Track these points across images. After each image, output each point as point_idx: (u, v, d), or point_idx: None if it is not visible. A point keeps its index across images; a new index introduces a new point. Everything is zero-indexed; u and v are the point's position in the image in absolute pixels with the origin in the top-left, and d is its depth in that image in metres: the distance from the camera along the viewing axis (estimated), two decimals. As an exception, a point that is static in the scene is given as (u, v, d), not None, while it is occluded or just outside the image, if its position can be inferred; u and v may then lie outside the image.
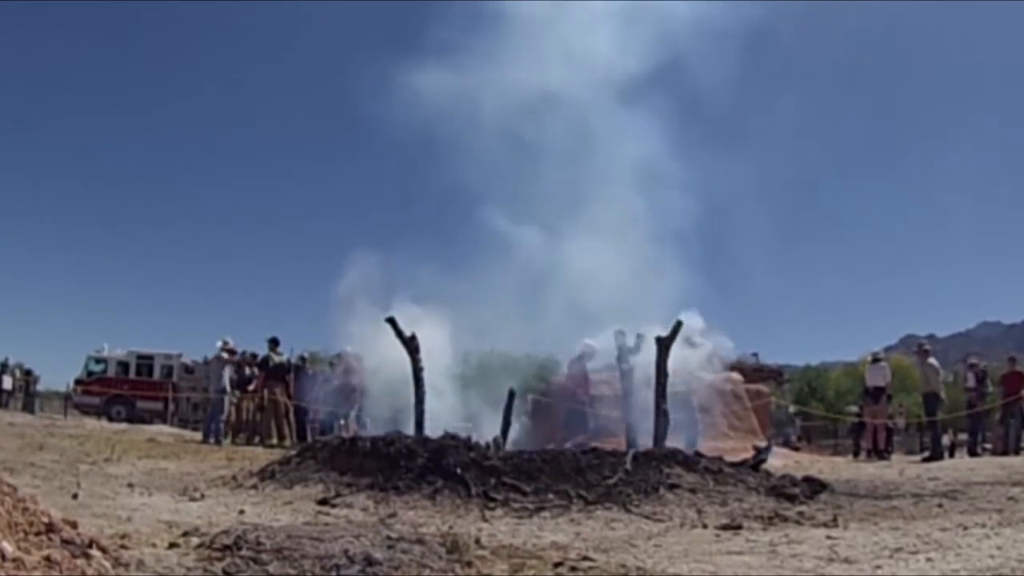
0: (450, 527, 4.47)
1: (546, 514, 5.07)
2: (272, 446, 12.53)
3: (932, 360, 12.95)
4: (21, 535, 2.50)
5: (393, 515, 4.94)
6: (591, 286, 11.02)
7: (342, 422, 13.62)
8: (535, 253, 11.37)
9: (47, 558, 2.39)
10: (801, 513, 5.08)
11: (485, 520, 4.88)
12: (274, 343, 14.34)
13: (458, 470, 5.70)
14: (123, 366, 25.75)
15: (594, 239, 11.43)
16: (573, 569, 3.38)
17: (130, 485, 6.03)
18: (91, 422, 18.71)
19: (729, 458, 7.36)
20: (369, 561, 3.09)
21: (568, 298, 11.08)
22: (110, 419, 21.68)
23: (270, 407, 13.82)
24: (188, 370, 26.24)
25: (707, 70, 13.04)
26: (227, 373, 13.73)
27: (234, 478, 6.52)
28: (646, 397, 8.57)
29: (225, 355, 13.80)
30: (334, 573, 2.97)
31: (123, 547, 3.16)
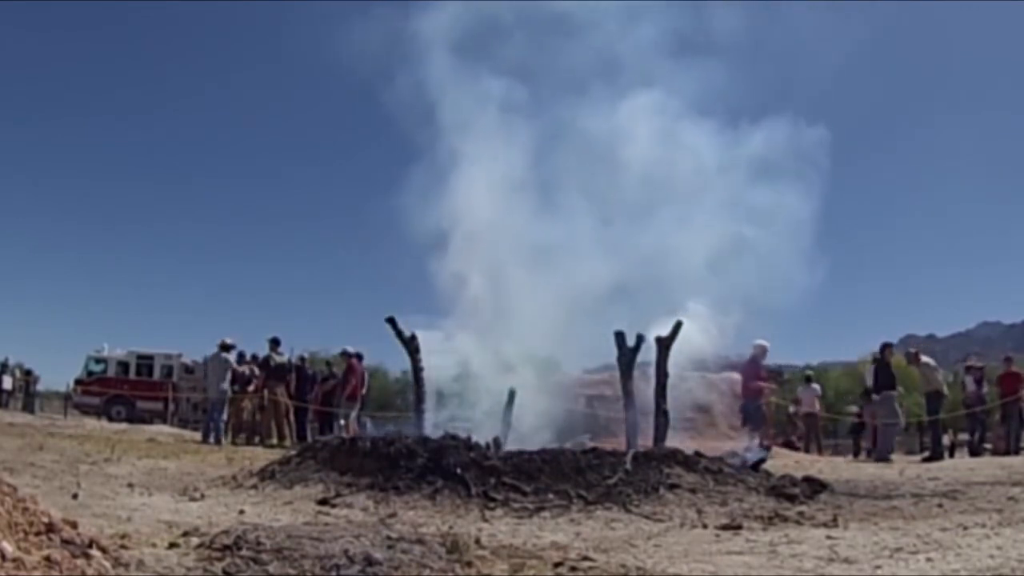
0: (450, 527, 4.47)
1: (546, 514, 5.07)
2: (272, 446, 12.54)
3: (926, 359, 12.98)
4: (21, 535, 2.50)
5: (393, 515, 4.94)
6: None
7: (342, 422, 13.63)
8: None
9: (47, 558, 2.39)
10: (801, 513, 5.08)
11: (485, 520, 4.88)
12: (275, 343, 14.35)
13: (458, 470, 5.71)
14: (123, 366, 25.75)
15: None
16: (573, 569, 3.38)
17: (130, 485, 6.03)
18: (91, 422, 18.70)
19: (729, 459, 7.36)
20: (369, 561, 3.09)
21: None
22: (110, 419, 21.68)
23: (270, 407, 13.84)
24: (188, 370, 26.23)
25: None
26: (228, 374, 13.74)
27: (234, 478, 6.52)
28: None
29: (225, 355, 13.81)
30: (334, 573, 2.97)
31: (123, 547, 3.16)
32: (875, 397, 12.58)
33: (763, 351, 13.27)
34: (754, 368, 13.18)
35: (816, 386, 17.26)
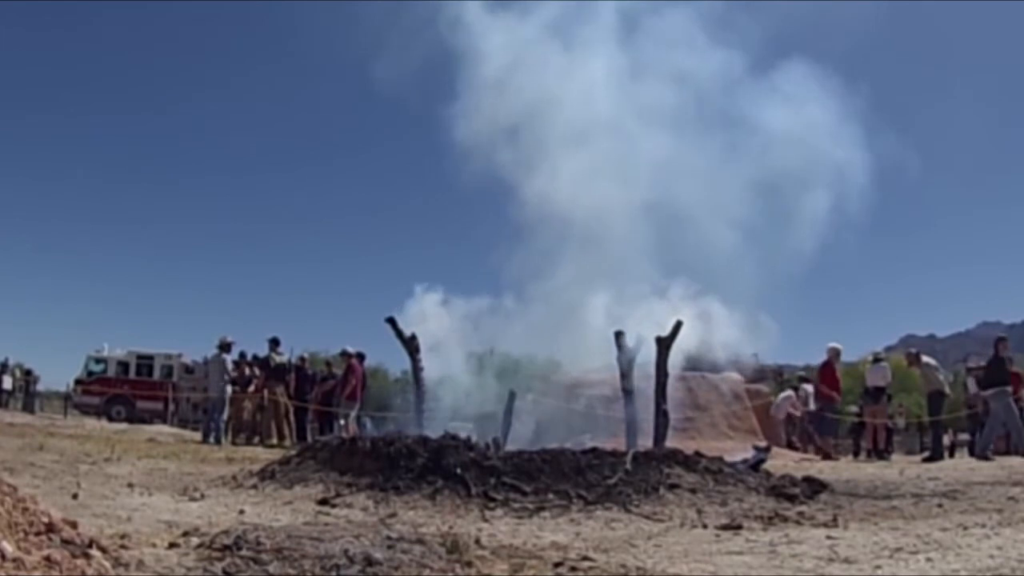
0: (450, 527, 4.47)
1: (546, 514, 5.06)
2: (272, 446, 12.55)
3: (927, 359, 12.96)
4: (21, 535, 2.50)
5: (393, 515, 4.94)
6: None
7: (342, 422, 13.63)
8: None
9: (47, 558, 2.38)
10: (801, 513, 5.08)
11: (485, 520, 4.88)
12: (275, 343, 14.35)
13: (458, 470, 5.70)
14: (123, 366, 25.79)
15: None
16: (573, 569, 3.38)
17: (130, 485, 6.03)
18: (91, 422, 18.75)
19: (729, 458, 7.36)
20: (369, 561, 3.09)
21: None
22: (110, 419, 21.72)
23: (270, 407, 13.84)
24: (188, 370, 26.27)
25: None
26: (227, 374, 13.75)
27: (234, 478, 6.52)
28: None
29: (224, 355, 13.82)
30: (334, 573, 2.97)
31: (123, 547, 3.15)
32: (986, 392, 12.01)
33: (837, 354, 13.11)
34: (831, 372, 13.02)
35: (808, 386, 17.23)
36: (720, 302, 11.26)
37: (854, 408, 18.31)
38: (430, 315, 9.85)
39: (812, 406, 16.56)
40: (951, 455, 15.98)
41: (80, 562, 2.48)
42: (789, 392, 17.18)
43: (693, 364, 13.79)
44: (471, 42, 12.44)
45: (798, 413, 16.48)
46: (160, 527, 4.10)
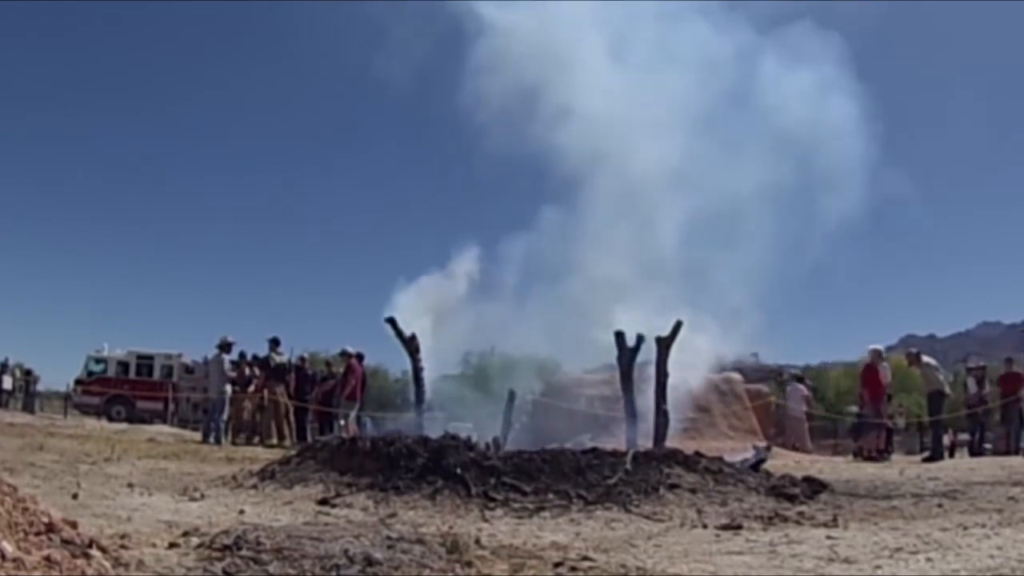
0: (450, 527, 4.47)
1: (546, 514, 5.06)
2: (272, 446, 12.54)
3: (927, 359, 12.96)
4: (21, 535, 2.50)
5: (393, 515, 4.94)
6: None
7: (342, 422, 13.63)
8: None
9: (47, 558, 2.38)
10: (801, 513, 5.08)
11: (485, 520, 4.88)
12: (275, 343, 14.35)
13: (458, 470, 5.70)
14: (123, 366, 25.79)
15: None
16: (573, 569, 3.38)
17: (130, 485, 6.03)
18: (91, 422, 18.76)
19: (729, 458, 7.36)
20: (369, 561, 3.09)
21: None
22: (110, 419, 21.73)
23: (270, 407, 13.84)
24: (188, 370, 26.26)
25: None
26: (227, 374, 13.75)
27: (234, 478, 6.52)
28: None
29: (225, 356, 13.82)
30: (334, 573, 2.97)
31: (123, 547, 3.15)
32: None
33: (879, 355, 13.13)
34: (874, 375, 13.02)
35: (799, 385, 17.22)
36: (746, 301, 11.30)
37: (854, 408, 18.33)
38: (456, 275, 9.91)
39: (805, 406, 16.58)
40: (951, 455, 15.98)
41: (80, 562, 2.48)
42: (797, 384, 17.16)
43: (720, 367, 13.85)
44: (477, 15, 12.40)
45: (806, 408, 16.49)
46: (160, 527, 4.10)
